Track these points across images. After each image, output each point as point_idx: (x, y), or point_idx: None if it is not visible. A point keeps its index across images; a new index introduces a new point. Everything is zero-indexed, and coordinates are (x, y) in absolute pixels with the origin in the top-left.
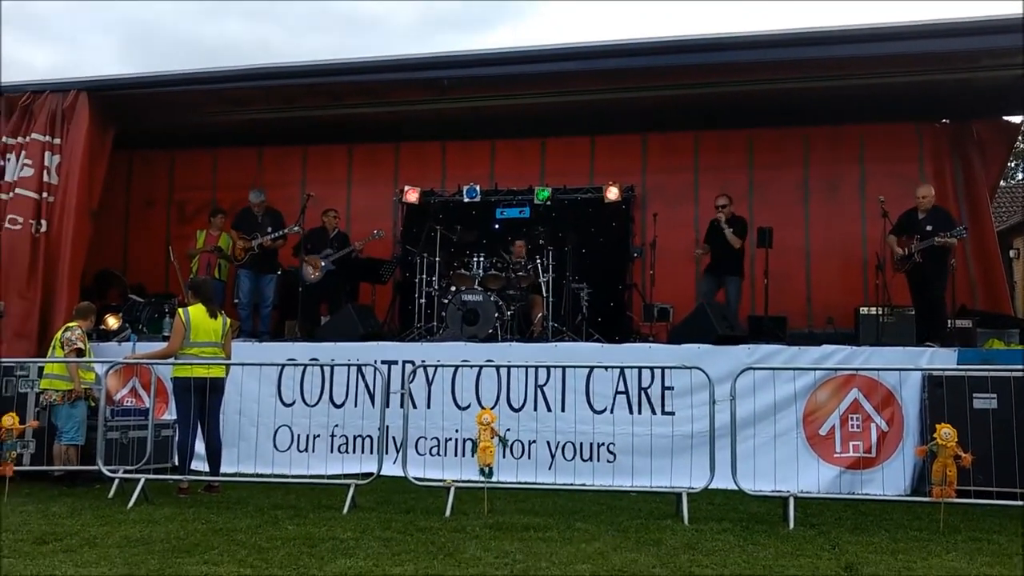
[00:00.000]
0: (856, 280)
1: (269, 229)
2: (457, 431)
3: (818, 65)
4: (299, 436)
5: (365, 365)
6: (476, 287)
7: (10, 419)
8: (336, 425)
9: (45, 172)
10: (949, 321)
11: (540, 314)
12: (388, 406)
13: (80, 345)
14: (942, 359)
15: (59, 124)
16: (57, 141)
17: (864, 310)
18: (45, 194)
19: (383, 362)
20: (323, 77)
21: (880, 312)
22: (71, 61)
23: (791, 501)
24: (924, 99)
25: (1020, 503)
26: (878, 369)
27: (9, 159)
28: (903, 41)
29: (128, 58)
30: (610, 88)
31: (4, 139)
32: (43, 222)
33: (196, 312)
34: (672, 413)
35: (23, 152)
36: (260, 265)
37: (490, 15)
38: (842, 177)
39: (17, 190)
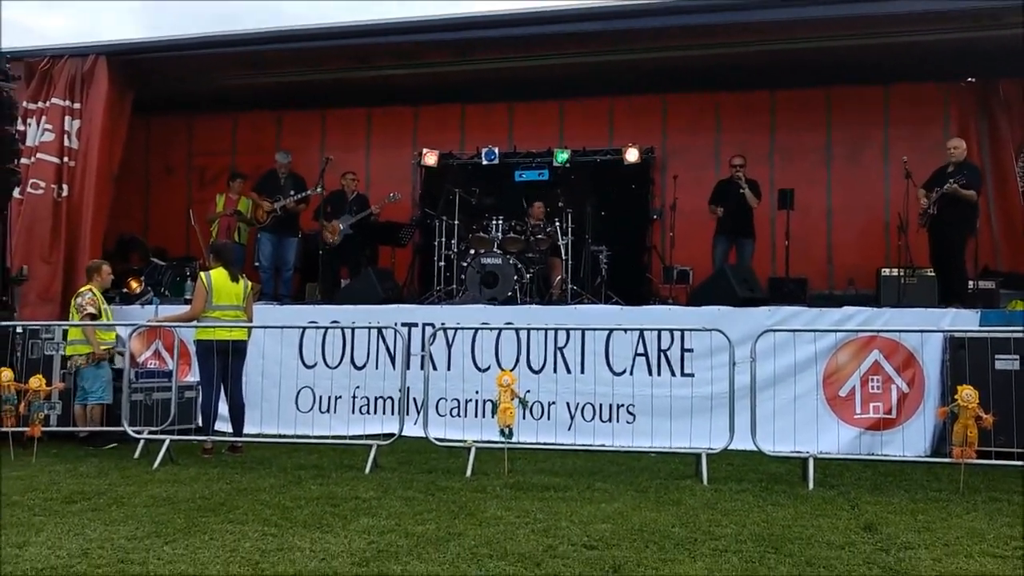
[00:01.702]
0: (878, 242)
1: (292, 192)
2: (477, 392)
3: (841, 23)
4: (321, 397)
5: (385, 327)
6: (495, 250)
7: (37, 381)
8: (357, 387)
9: (66, 137)
10: (971, 282)
11: (559, 276)
12: (409, 368)
13: (91, 310)
14: (964, 320)
15: (79, 89)
16: (77, 106)
17: (885, 271)
18: (66, 159)
19: (403, 324)
20: (349, 39)
21: (901, 273)
22: (86, 26)
23: (811, 462)
24: (950, 57)
25: None
26: (899, 331)
27: (30, 124)
28: None
29: (145, 21)
30: (630, 48)
31: (25, 104)
32: (64, 186)
33: (218, 276)
34: (692, 375)
35: (43, 117)
36: (282, 228)
37: None
38: (865, 138)
39: (38, 155)
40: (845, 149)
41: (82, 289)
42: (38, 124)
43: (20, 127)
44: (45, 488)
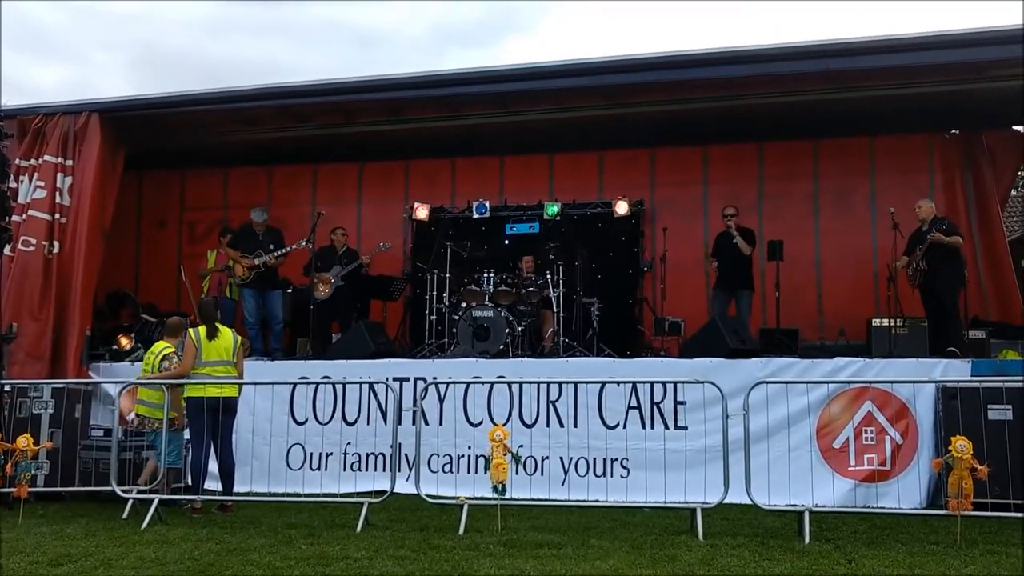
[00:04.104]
0: (868, 292)
1: (271, 247)
2: (470, 448)
3: (827, 78)
4: (312, 454)
5: (377, 383)
6: (487, 303)
7: (24, 440)
8: (348, 443)
9: (57, 193)
10: (963, 332)
11: (551, 329)
12: (400, 423)
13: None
14: (956, 371)
15: (71, 146)
16: (69, 163)
17: (876, 322)
18: (57, 215)
19: (395, 379)
20: (337, 96)
21: (892, 324)
22: (79, 81)
23: (806, 515)
24: (934, 110)
25: None
26: (891, 381)
27: (22, 181)
28: (912, 53)
29: (136, 77)
30: (619, 103)
31: (17, 161)
32: (55, 243)
33: (206, 332)
34: (685, 427)
35: (36, 174)
36: (263, 283)
37: (497, 31)
38: (853, 189)
39: (30, 212)
40: (833, 199)
41: (168, 349)
42: (30, 181)
43: (12, 184)
44: (31, 551)
